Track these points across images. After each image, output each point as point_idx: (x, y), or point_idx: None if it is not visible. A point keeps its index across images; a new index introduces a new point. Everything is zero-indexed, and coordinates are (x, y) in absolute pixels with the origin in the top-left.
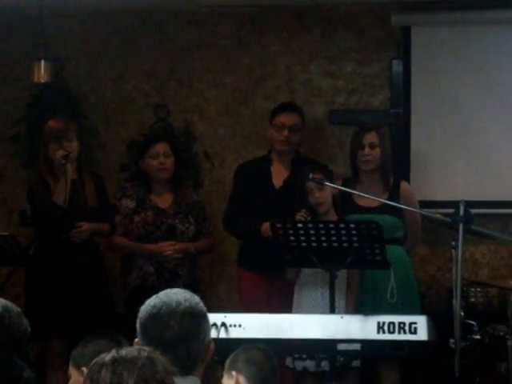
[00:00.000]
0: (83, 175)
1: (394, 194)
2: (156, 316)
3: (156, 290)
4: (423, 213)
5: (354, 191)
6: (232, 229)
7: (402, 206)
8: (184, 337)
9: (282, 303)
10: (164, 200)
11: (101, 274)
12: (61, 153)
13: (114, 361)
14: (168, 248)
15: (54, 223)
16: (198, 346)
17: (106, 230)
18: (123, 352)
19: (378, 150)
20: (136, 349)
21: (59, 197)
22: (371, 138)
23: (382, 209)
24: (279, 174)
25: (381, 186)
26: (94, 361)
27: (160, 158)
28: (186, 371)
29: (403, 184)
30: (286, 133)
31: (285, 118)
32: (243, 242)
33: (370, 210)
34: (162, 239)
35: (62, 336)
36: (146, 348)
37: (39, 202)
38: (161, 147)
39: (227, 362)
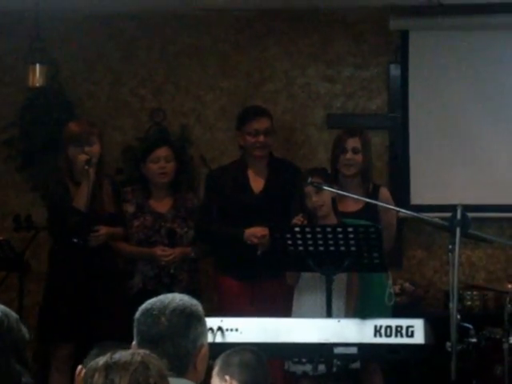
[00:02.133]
0: (102, 179)
1: (373, 199)
2: (148, 311)
3: (156, 294)
4: (420, 216)
5: (352, 195)
6: (209, 237)
7: (387, 206)
8: (172, 333)
9: (268, 309)
10: (163, 205)
11: (114, 278)
12: (83, 157)
13: (107, 366)
14: (166, 253)
15: (72, 228)
16: (187, 345)
17: (120, 233)
18: (117, 356)
19: (360, 155)
20: (130, 353)
21: (80, 201)
22: (354, 142)
23: (360, 214)
24: (257, 179)
25: (360, 191)
26: (89, 365)
27: (161, 163)
28: (176, 371)
29: (382, 190)
30: (261, 138)
31: (257, 124)
32: (221, 249)
33: (348, 215)
34: (161, 243)
35: (71, 340)
36: (141, 351)
37: (59, 205)
38: (162, 152)
39: (218, 364)
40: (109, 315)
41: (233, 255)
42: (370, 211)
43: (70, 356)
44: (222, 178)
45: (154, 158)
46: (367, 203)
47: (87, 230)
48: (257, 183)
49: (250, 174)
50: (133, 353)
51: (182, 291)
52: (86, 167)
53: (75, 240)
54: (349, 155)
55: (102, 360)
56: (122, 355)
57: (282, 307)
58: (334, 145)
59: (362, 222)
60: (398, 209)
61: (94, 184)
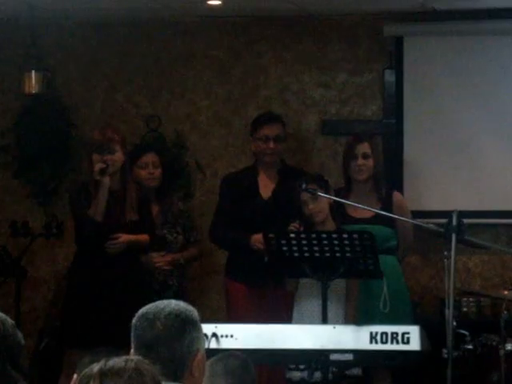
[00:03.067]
0: (127, 186)
1: (387, 204)
2: (143, 315)
3: (147, 303)
4: (416, 222)
5: (347, 201)
6: (219, 241)
7: (394, 216)
8: (166, 337)
9: (275, 314)
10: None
11: (139, 285)
12: (98, 166)
13: (101, 373)
14: (158, 260)
15: (88, 237)
16: (182, 349)
17: (144, 241)
18: (111, 363)
19: (370, 160)
20: (124, 359)
21: (95, 211)
22: (364, 148)
23: (375, 219)
24: (267, 185)
25: (374, 196)
26: (84, 372)
27: (149, 168)
28: (171, 377)
29: (396, 194)
30: (271, 144)
31: (268, 130)
32: (230, 254)
33: (363, 221)
34: (150, 249)
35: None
36: (134, 358)
37: (77, 213)
38: (149, 158)
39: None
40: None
41: (241, 260)
42: (384, 216)
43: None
44: (233, 183)
45: (141, 164)
46: (381, 207)
47: (104, 240)
48: (266, 189)
49: (261, 179)
50: (126, 359)
51: (172, 296)
52: (98, 177)
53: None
54: (359, 161)
55: (96, 367)
56: (115, 362)
57: (287, 313)
58: (344, 152)
59: (373, 228)
60: (393, 216)
61: (117, 191)
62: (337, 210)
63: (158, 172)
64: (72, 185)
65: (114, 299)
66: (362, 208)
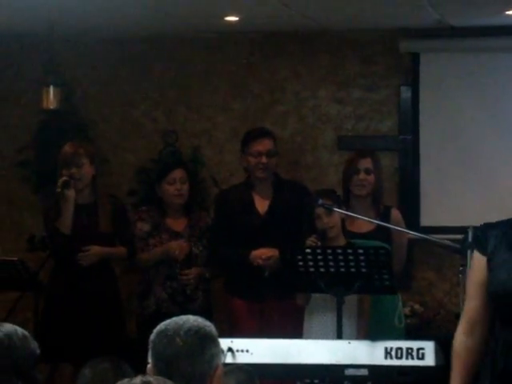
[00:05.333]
0: (98, 199)
1: (385, 220)
2: (163, 332)
3: (170, 316)
4: (432, 239)
5: (361, 217)
6: (216, 258)
7: (397, 228)
8: (187, 353)
9: (277, 329)
10: (179, 224)
11: (113, 299)
12: (62, 180)
13: None
14: (177, 247)
15: (59, 249)
16: (203, 365)
17: (122, 254)
18: (138, 382)
19: (372, 175)
20: (140, 380)
21: (63, 224)
22: (366, 163)
23: (372, 235)
24: (262, 200)
25: (372, 212)
26: None
27: (177, 185)
28: None
29: (394, 211)
30: (264, 159)
31: (259, 146)
32: (229, 270)
33: (361, 236)
34: (176, 262)
35: (70, 360)
36: (151, 378)
37: (47, 228)
38: (178, 173)
39: None
40: (104, 335)
41: (241, 276)
42: (382, 232)
43: (71, 375)
44: (228, 199)
45: (169, 180)
46: (379, 224)
47: (77, 250)
48: (262, 204)
49: (255, 195)
50: (142, 381)
51: (196, 310)
52: (59, 189)
53: (70, 259)
54: (362, 176)
55: (132, 382)
56: (150, 380)
57: (291, 328)
58: (345, 166)
59: (372, 243)
60: (407, 231)
61: (88, 204)
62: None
63: (185, 187)
64: (45, 198)
65: (88, 312)
66: (373, 222)
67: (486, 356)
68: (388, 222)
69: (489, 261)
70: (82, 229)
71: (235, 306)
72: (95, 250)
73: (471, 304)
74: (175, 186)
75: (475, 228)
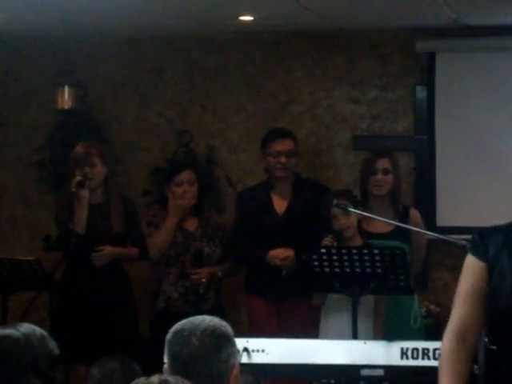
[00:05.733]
0: (111, 199)
1: (404, 220)
2: (179, 332)
3: (181, 315)
4: (448, 239)
5: (377, 217)
6: (236, 257)
7: (415, 229)
8: (203, 353)
9: (295, 329)
10: (190, 224)
11: (126, 299)
12: (76, 179)
13: None
14: (196, 272)
15: (73, 250)
16: (219, 365)
17: (133, 254)
18: (155, 380)
19: (390, 175)
20: (157, 379)
21: (77, 224)
22: (384, 163)
23: (391, 235)
24: (281, 200)
25: (390, 212)
26: None
27: (184, 186)
28: None
29: (413, 211)
30: (283, 159)
31: (279, 146)
32: (248, 269)
33: (379, 236)
34: (189, 262)
35: (83, 360)
36: (169, 377)
37: (60, 228)
38: (186, 175)
39: None
40: (117, 335)
41: (260, 276)
42: (400, 232)
43: (85, 376)
44: (248, 199)
45: (177, 182)
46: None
47: (89, 252)
48: (280, 205)
49: (274, 195)
50: (177, 379)
51: (208, 310)
52: (74, 189)
53: (84, 260)
54: (379, 176)
55: (149, 382)
56: (167, 379)
57: (308, 328)
58: (363, 166)
59: (390, 244)
60: (423, 231)
61: (100, 204)
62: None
63: (193, 189)
64: (58, 199)
65: (101, 312)
66: (390, 223)
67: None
68: (407, 223)
69: (490, 267)
70: (95, 228)
71: (254, 305)
72: (108, 250)
73: (463, 311)
74: (183, 187)
75: (474, 233)
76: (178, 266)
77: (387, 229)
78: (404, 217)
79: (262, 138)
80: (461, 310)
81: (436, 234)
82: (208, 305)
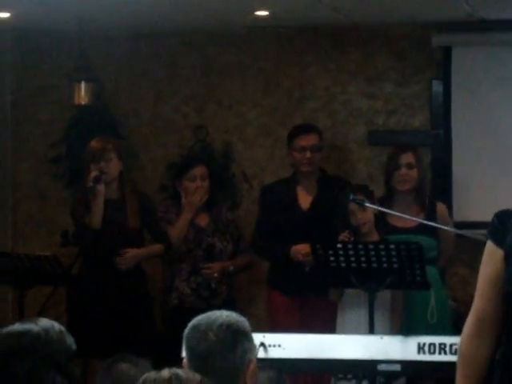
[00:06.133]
0: (126, 195)
1: (431, 215)
2: (196, 327)
3: (194, 311)
4: (465, 233)
5: (394, 212)
6: (260, 252)
7: (440, 226)
8: (219, 348)
9: (316, 324)
10: (202, 219)
11: (142, 294)
12: (92, 174)
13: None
14: (208, 267)
15: (88, 244)
16: (235, 360)
17: (158, 251)
18: (179, 372)
19: (414, 170)
20: (168, 372)
21: (93, 219)
22: (408, 158)
23: (418, 229)
24: (306, 195)
25: (416, 207)
26: (148, 376)
27: (197, 182)
28: None
29: (439, 205)
30: (308, 154)
31: (304, 141)
32: (272, 264)
33: (406, 231)
34: (201, 257)
35: (100, 356)
36: (179, 371)
37: (76, 223)
38: (198, 170)
39: None
40: (134, 331)
41: (282, 271)
42: (428, 226)
43: None
44: (272, 193)
45: (190, 177)
46: (424, 218)
47: (106, 245)
48: (305, 200)
49: (299, 190)
50: (179, 372)
51: (220, 304)
52: (91, 184)
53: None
54: (403, 171)
55: (164, 373)
56: (184, 371)
57: (330, 324)
58: (387, 162)
59: (418, 238)
60: (441, 226)
61: (115, 199)
62: (378, 221)
63: (205, 185)
64: (74, 194)
65: (117, 308)
66: (407, 218)
67: (498, 367)
68: (433, 217)
69: (507, 254)
70: (111, 224)
71: (276, 300)
72: (132, 252)
73: (481, 303)
74: (196, 183)
75: (494, 215)
76: (190, 261)
77: (414, 223)
78: (430, 211)
79: (288, 134)
80: (478, 302)
81: (453, 229)
82: (220, 299)
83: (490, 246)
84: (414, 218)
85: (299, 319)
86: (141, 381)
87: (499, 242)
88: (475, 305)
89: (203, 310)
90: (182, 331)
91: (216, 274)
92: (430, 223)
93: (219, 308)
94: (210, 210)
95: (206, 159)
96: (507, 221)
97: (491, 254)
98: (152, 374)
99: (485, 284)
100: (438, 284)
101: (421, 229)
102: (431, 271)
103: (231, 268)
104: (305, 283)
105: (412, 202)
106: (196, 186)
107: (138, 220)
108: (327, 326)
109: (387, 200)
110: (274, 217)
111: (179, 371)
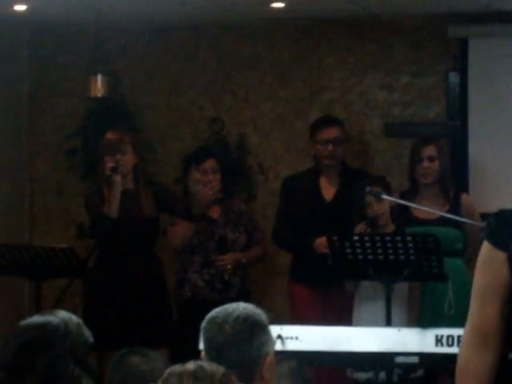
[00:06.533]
0: (139, 185)
1: (455, 207)
2: (213, 319)
3: (208, 303)
4: (479, 225)
5: (411, 204)
6: (282, 244)
7: (458, 218)
8: (236, 340)
9: (338, 317)
10: (213, 211)
11: (159, 286)
12: (109, 165)
13: (195, 374)
14: (221, 258)
15: (105, 234)
16: (251, 352)
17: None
18: (203, 365)
19: (437, 162)
20: (193, 365)
21: (111, 208)
22: (430, 150)
23: (441, 221)
24: (329, 187)
25: (441, 199)
26: (172, 370)
27: (208, 175)
28: (243, 380)
29: (464, 196)
30: (330, 147)
31: (326, 134)
32: (294, 256)
33: (429, 222)
34: (213, 250)
35: (116, 348)
36: (204, 363)
37: (92, 213)
38: (209, 164)
39: None
40: (150, 322)
41: (305, 263)
42: (452, 219)
43: None
44: (295, 185)
45: (202, 170)
46: (449, 210)
47: (121, 236)
48: (328, 192)
49: (322, 182)
50: (211, 364)
51: (234, 296)
52: (108, 173)
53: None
54: (425, 164)
55: (188, 366)
56: (207, 365)
57: (351, 316)
58: (410, 154)
59: (443, 230)
60: (458, 218)
61: (130, 190)
62: (400, 212)
63: (216, 178)
64: (88, 187)
65: (134, 299)
66: (425, 210)
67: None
68: (458, 208)
69: (509, 258)
70: (127, 213)
71: (298, 292)
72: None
73: (484, 310)
74: (207, 176)
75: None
76: (202, 253)
77: (437, 215)
78: (455, 203)
79: (310, 126)
80: (480, 309)
81: (469, 221)
82: (234, 292)
83: (488, 249)
84: (431, 210)
85: (322, 311)
86: (165, 374)
87: (500, 245)
88: (475, 313)
89: (217, 303)
90: (197, 323)
91: (229, 266)
92: (448, 215)
93: (234, 300)
94: (222, 202)
95: (221, 151)
96: (509, 221)
97: (491, 259)
98: (177, 367)
99: (487, 291)
100: (460, 276)
101: (445, 220)
102: (456, 263)
103: (244, 260)
104: (327, 275)
105: (437, 195)
106: (208, 179)
107: (153, 208)
108: (350, 318)
109: (412, 193)
110: (297, 208)
111: (204, 364)
